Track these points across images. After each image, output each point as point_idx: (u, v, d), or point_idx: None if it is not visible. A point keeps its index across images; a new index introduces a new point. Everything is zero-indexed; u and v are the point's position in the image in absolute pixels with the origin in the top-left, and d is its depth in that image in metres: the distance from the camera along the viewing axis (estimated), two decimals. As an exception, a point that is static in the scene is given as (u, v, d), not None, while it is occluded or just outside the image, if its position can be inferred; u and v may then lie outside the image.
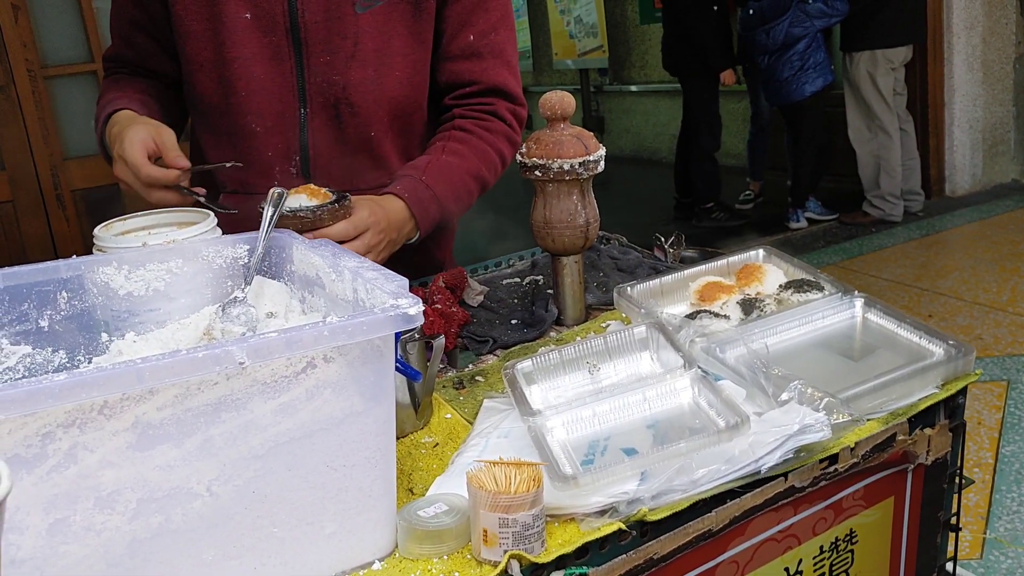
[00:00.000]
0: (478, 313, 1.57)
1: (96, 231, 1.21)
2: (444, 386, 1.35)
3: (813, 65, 5.70)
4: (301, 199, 1.31)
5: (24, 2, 3.79)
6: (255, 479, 0.86)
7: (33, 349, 1.08)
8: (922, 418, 1.15)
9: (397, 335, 0.93)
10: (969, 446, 3.35)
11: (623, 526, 0.95)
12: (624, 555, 0.95)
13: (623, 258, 1.73)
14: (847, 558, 1.14)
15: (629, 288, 1.39)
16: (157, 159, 1.38)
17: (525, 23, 11.06)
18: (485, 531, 0.91)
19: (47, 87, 3.89)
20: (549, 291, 1.57)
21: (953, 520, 1.27)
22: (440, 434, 1.22)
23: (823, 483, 1.05)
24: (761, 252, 1.48)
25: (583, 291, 1.52)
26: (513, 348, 1.45)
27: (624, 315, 1.45)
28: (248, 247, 1.18)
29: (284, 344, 0.82)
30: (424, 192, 1.50)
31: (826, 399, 1.04)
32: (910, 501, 1.17)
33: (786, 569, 1.08)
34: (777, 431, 1.01)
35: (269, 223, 1.17)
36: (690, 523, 0.98)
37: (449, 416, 1.26)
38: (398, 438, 1.21)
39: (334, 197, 1.34)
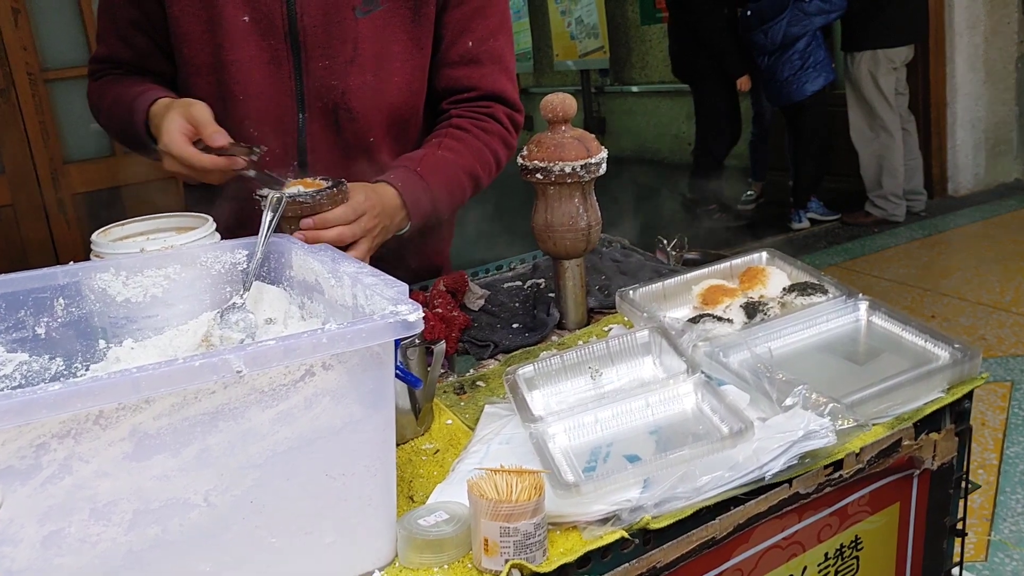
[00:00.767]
0: (479, 317, 1.56)
1: (94, 237, 1.20)
2: (445, 391, 1.34)
3: (813, 64, 5.69)
4: (298, 189, 1.30)
5: (24, 5, 3.78)
6: (253, 488, 0.84)
7: (30, 357, 1.07)
8: (928, 423, 1.13)
9: (397, 341, 0.92)
10: (973, 447, 3.33)
11: (626, 534, 0.94)
12: (627, 563, 0.94)
13: (625, 261, 1.72)
14: (852, 565, 1.13)
15: (631, 291, 1.38)
16: (196, 140, 1.36)
17: (526, 24, 11.05)
18: (486, 540, 0.90)
19: (47, 90, 3.88)
20: (551, 294, 1.56)
21: (959, 525, 1.25)
22: (441, 440, 1.21)
23: (828, 489, 1.04)
24: (764, 255, 1.47)
25: (585, 294, 1.51)
26: (514, 352, 1.44)
27: (626, 319, 1.44)
28: (247, 252, 1.17)
29: (282, 352, 0.81)
30: (417, 183, 1.49)
31: (831, 404, 1.03)
32: (916, 507, 1.16)
33: (791, 576, 1.07)
34: (781, 437, 0.99)
35: (268, 228, 1.16)
36: (693, 531, 0.97)
37: (450, 422, 1.25)
38: (398, 444, 1.20)
39: (330, 183, 1.34)
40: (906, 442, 1.09)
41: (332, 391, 0.86)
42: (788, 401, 1.07)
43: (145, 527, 0.80)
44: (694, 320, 1.29)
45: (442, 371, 1.41)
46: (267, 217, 1.17)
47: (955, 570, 1.29)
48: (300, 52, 1.52)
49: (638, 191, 8.47)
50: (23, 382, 1.05)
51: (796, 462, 1.01)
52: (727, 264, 1.45)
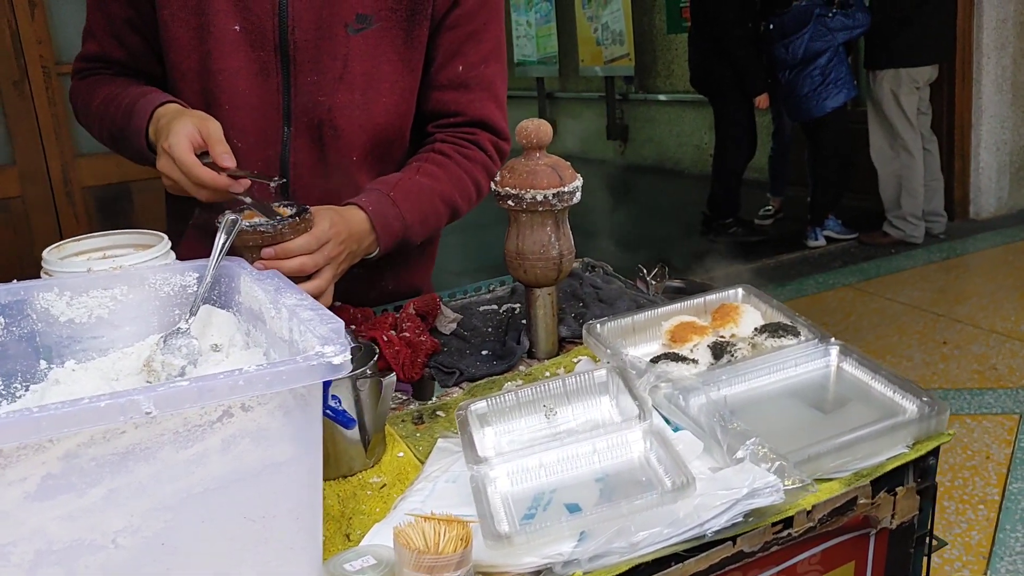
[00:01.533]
0: (449, 342, 1.53)
1: (45, 253, 1.19)
2: (403, 420, 1.31)
3: (834, 80, 5.62)
4: (262, 219, 1.28)
5: (42, -1, 3.80)
6: (165, 531, 0.82)
7: (-31, 375, 1.06)
8: (888, 479, 1.10)
9: (327, 382, 0.89)
10: (975, 481, 3.27)
11: (554, 590, 0.91)
12: (554, 621, 0.90)
13: (605, 288, 1.69)
14: (802, 624, 1.09)
15: (599, 326, 1.34)
16: (203, 153, 1.33)
17: (553, 28, 11.03)
18: (408, 591, 0.88)
19: (61, 84, 3.90)
20: (523, 321, 1.53)
21: (923, 583, 1.21)
22: (389, 474, 1.18)
23: (775, 548, 1.01)
24: (740, 291, 1.44)
25: (556, 324, 1.48)
26: (480, 381, 1.41)
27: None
28: (197, 275, 1.15)
29: (195, 394, 0.79)
30: (389, 209, 1.47)
31: (778, 462, 0.99)
32: (872, 566, 1.12)
33: (734, 635, 1.04)
34: (725, 494, 0.96)
35: (220, 251, 1.14)
36: (627, 589, 0.93)
37: (401, 455, 1.22)
38: (346, 476, 1.18)
39: (294, 211, 1.31)
40: (862, 500, 1.06)
41: (252, 433, 0.84)
42: (739, 453, 1.03)
43: (47, 568, 0.78)
44: (657, 359, 1.26)
45: (404, 398, 1.38)
46: (220, 240, 1.14)
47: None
48: (289, 65, 1.50)
49: (656, 202, 8.42)
50: (-41, 402, 1.04)
51: (740, 519, 0.97)
52: (701, 300, 1.41)
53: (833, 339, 1.29)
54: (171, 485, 0.81)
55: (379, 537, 1.01)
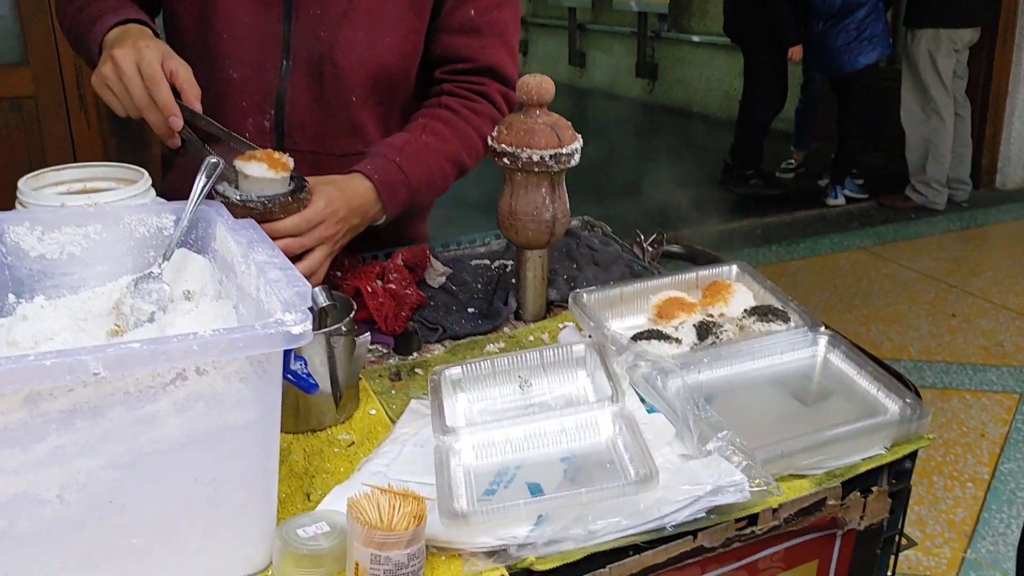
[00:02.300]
0: (437, 296, 1.51)
1: (20, 183, 1.16)
2: (380, 375, 1.29)
3: (869, 36, 5.45)
4: (262, 168, 1.23)
5: None
6: (112, 489, 0.81)
7: (-65, 306, 1.04)
8: (861, 480, 1.07)
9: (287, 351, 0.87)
10: (967, 458, 3.26)
11: (505, 574, 0.90)
12: (502, 605, 0.90)
13: (601, 250, 1.66)
14: (759, 618, 1.08)
15: (585, 295, 1.31)
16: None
17: (589, -43, 10.75)
18: (357, 564, 0.87)
19: (77, -16, 3.82)
20: (513, 280, 1.50)
21: (889, 581, 1.20)
22: (359, 432, 1.17)
23: (737, 544, 0.99)
24: (735, 268, 1.40)
25: (545, 287, 1.45)
26: (462, 340, 1.39)
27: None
28: (175, 217, 1.12)
29: (147, 356, 0.77)
30: (396, 175, 1.43)
31: (746, 462, 0.97)
32: (836, 565, 1.11)
33: (688, 626, 1.03)
34: (688, 489, 0.94)
35: (199, 195, 1.11)
36: (580, 576, 0.92)
37: (373, 412, 1.21)
38: (316, 430, 1.16)
39: (291, 186, 1.27)
40: (831, 502, 1.04)
41: (206, 397, 0.82)
42: (709, 445, 1.01)
43: (-10, 520, 0.77)
44: (640, 336, 1.23)
45: (384, 351, 1.36)
46: (199, 183, 1.11)
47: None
48: None
49: (679, 144, 8.29)
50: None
51: (702, 515, 0.95)
52: (692, 275, 1.38)
53: (823, 328, 1.25)
54: (120, 445, 0.80)
55: (338, 501, 0.99)
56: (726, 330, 1.25)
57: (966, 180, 5.89)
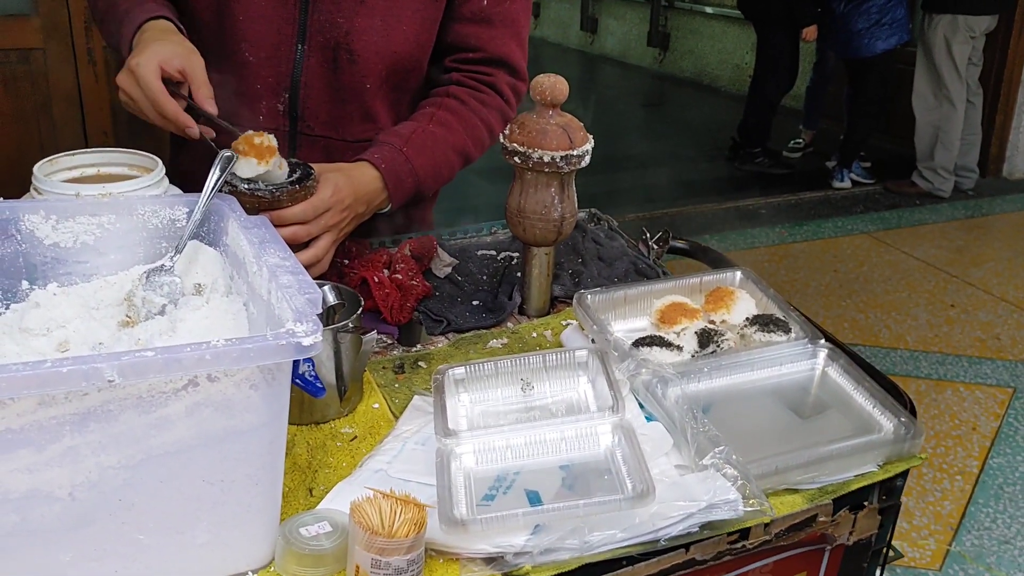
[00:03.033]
0: (442, 286, 1.52)
1: (36, 168, 1.17)
2: (384, 367, 1.31)
3: (890, 21, 5.41)
4: (251, 164, 1.23)
5: None
6: (122, 488, 0.83)
7: (-50, 291, 1.05)
8: (852, 496, 1.10)
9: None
10: (957, 451, 3.30)
11: (502, 581, 0.92)
12: (497, 611, 0.92)
13: (607, 245, 1.67)
14: (746, 626, 1.11)
15: (589, 296, 1.33)
16: (175, 84, 1.29)
17: (604, -79, 10.61)
18: (358, 567, 0.89)
19: (88, -67, 3.78)
20: (518, 274, 1.52)
21: (874, 591, 1.23)
22: (362, 426, 1.19)
23: (728, 558, 1.02)
24: (738, 275, 1.41)
25: (550, 283, 1.47)
26: (466, 334, 1.41)
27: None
28: (187, 210, 1.13)
29: (161, 365, 0.78)
30: (402, 165, 1.44)
31: (741, 480, 0.99)
32: (824, 577, 1.14)
33: (675, 633, 1.06)
34: (682, 506, 0.96)
35: (212, 188, 1.12)
36: (574, 586, 0.95)
37: (377, 406, 1.23)
38: (319, 423, 1.18)
39: (297, 174, 1.28)
40: (822, 518, 1.06)
41: (216, 403, 0.84)
42: (706, 460, 1.03)
43: (2, 515, 0.79)
44: (642, 342, 1.25)
45: (388, 342, 1.38)
46: (213, 176, 1.12)
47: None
48: None
49: (687, 117, 8.25)
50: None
51: (696, 529, 0.98)
52: (696, 279, 1.39)
53: (823, 340, 1.27)
54: (131, 446, 0.82)
55: (340, 498, 1.02)
56: (727, 339, 1.27)
57: (973, 168, 5.88)
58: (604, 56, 10.88)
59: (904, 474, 1.14)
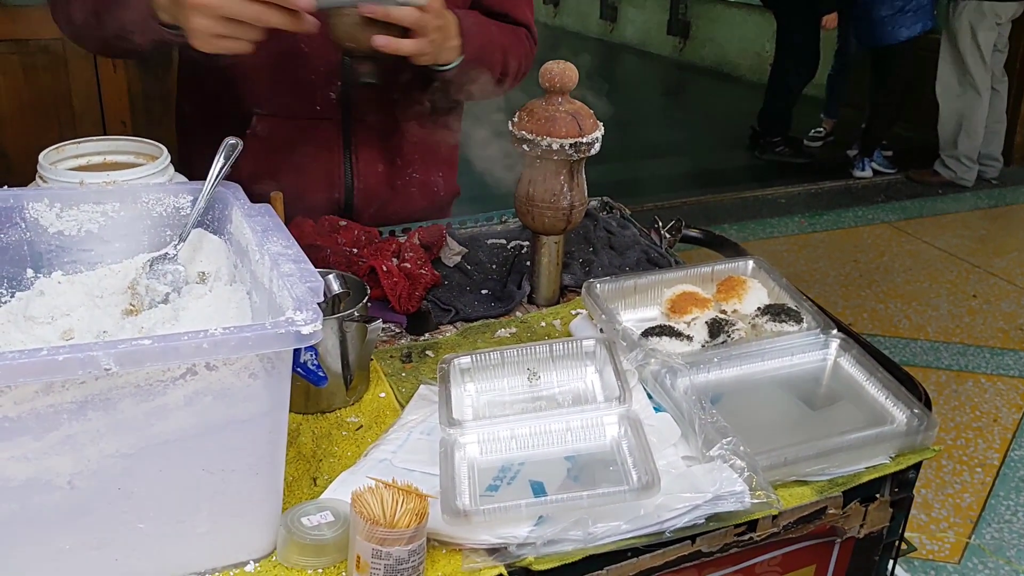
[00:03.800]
0: (451, 275, 1.51)
1: (41, 157, 1.17)
2: (391, 356, 1.31)
3: (915, 8, 5.33)
4: None
5: None
6: (122, 476, 0.83)
7: (-45, 278, 1.06)
8: (863, 489, 1.08)
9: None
10: (978, 443, 3.26)
11: (504, 572, 0.91)
12: (499, 603, 0.91)
13: (619, 234, 1.65)
14: (754, 619, 1.10)
15: (598, 285, 1.31)
16: None
17: (624, -92, 10.53)
18: (359, 557, 0.88)
19: (107, -74, 3.78)
20: (528, 263, 1.50)
21: (887, 583, 1.21)
22: (367, 415, 1.18)
23: (735, 550, 1.00)
24: (751, 263, 1.39)
25: (560, 272, 1.45)
26: (474, 323, 1.40)
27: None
28: (192, 198, 1.12)
29: (159, 353, 0.78)
30: (472, 23, 1.46)
31: (748, 472, 0.98)
32: (834, 571, 1.12)
33: (681, 626, 1.05)
34: (688, 497, 0.95)
35: (217, 176, 1.11)
36: (578, 578, 0.94)
37: (383, 395, 1.22)
38: (324, 412, 1.18)
39: None
40: (831, 511, 1.04)
41: (216, 391, 0.83)
42: (713, 451, 1.02)
43: (2, 503, 0.79)
44: (651, 331, 1.23)
45: (396, 330, 1.37)
46: (217, 163, 1.11)
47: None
48: None
49: (707, 106, 8.19)
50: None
51: (701, 521, 0.96)
52: (708, 268, 1.37)
53: (835, 330, 1.25)
54: (130, 435, 0.81)
55: (343, 488, 1.01)
56: (738, 328, 1.25)
57: (997, 157, 5.80)
58: (624, 45, 10.81)
59: (917, 466, 1.12)
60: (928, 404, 1.16)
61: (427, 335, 1.37)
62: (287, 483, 1.02)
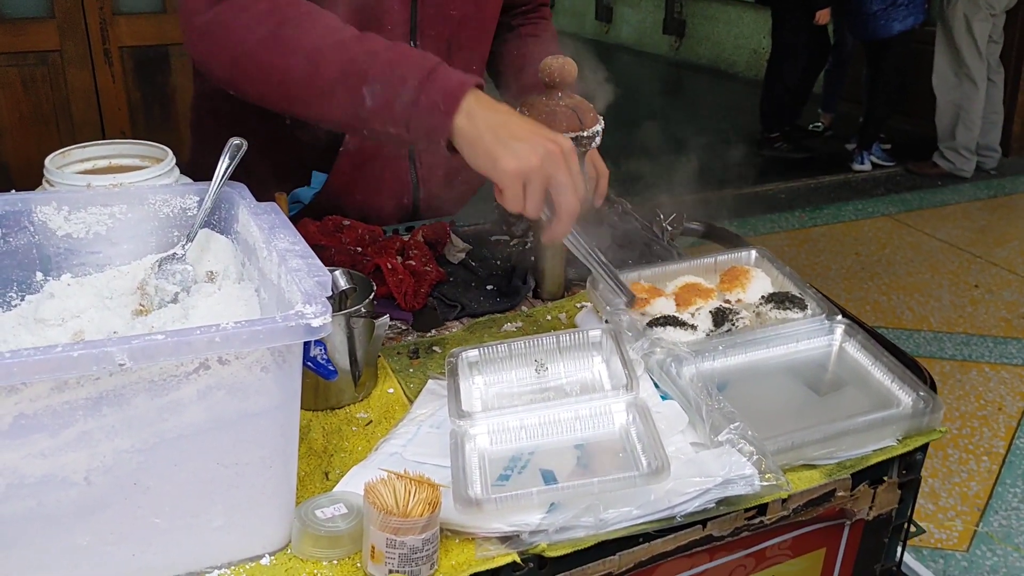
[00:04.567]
0: (456, 272, 1.52)
1: (47, 161, 1.17)
2: (399, 352, 1.31)
3: (906, 2, 5.34)
4: None
5: None
6: (137, 471, 0.84)
7: (-35, 283, 1.06)
8: (871, 471, 1.09)
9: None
10: (983, 431, 3.27)
11: (518, 559, 0.92)
12: (513, 591, 0.92)
13: (621, 227, 1.66)
14: (765, 603, 1.11)
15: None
16: None
17: (618, -91, 10.54)
18: (373, 547, 0.89)
19: (104, -66, 3.81)
20: (532, 258, 1.51)
21: (895, 568, 1.22)
22: (377, 410, 1.19)
23: (745, 533, 1.01)
24: (754, 254, 1.40)
25: (564, 266, 1.46)
26: (480, 319, 1.41)
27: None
28: (198, 198, 1.13)
29: (171, 348, 0.79)
30: None
31: (757, 456, 0.98)
32: (844, 553, 1.13)
33: (693, 610, 1.05)
34: (698, 481, 0.96)
35: (223, 176, 1.12)
36: (590, 564, 0.94)
37: (392, 391, 1.23)
38: (334, 408, 1.19)
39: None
40: (840, 493, 1.05)
41: (228, 385, 0.84)
42: (721, 436, 1.03)
43: (19, 500, 0.80)
44: (656, 322, 1.24)
45: (403, 327, 1.38)
46: (223, 164, 1.12)
47: None
48: None
49: (705, 104, 8.20)
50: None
51: (712, 505, 0.97)
52: (711, 259, 1.38)
53: (840, 316, 1.26)
54: (144, 430, 0.82)
55: (355, 481, 1.02)
56: (742, 317, 1.26)
57: (995, 148, 5.80)
58: (620, 45, 10.82)
59: (924, 448, 1.13)
60: (933, 387, 1.17)
61: (433, 331, 1.38)
62: (300, 479, 1.03)
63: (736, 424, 1.02)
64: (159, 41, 4.02)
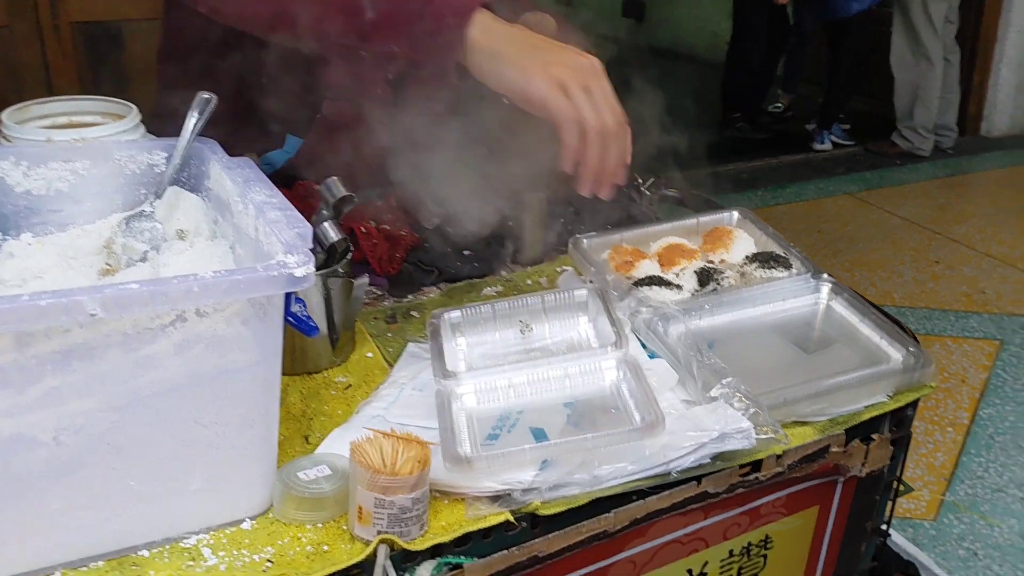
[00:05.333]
0: (432, 237, 1.48)
1: (4, 116, 1.11)
2: (376, 317, 1.27)
3: (865, -19, 5.37)
4: None
5: None
6: (111, 431, 0.79)
7: (-82, 242, 1.00)
8: (863, 428, 1.07)
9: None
10: (947, 403, 3.30)
11: (511, 518, 0.89)
12: (507, 550, 0.89)
13: (598, 193, 1.63)
14: (759, 563, 1.09)
15: (584, 240, 1.29)
16: None
17: None
18: (360, 508, 0.86)
19: (52, -93, 3.69)
20: (511, 223, 1.48)
21: (884, 526, 1.21)
22: (356, 374, 1.15)
23: (740, 490, 0.99)
24: (735, 214, 1.38)
25: (543, 231, 1.43)
26: (458, 283, 1.37)
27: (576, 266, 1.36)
28: (166, 155, 1.08)
29: (147, 297, 0.74)
30: None
31: (752, 409, 0.96)
32: (837, 510, 1.11)
33: (688, 571, 1.03)
34: (694, 435, 0.93)
35: (192, 132, 1.07)
36: (585, 522, 0.92)
37: (370, 355, 1.19)
38: (312, 373, 1.14)
39: None
40: (834, 449, 1.03)
41: (207, 339, 0.80)
42: (714, 392, 1.00)
43: (-15, 462, 0.75)
44: (641, 282, 1.21)
45: (378, 293, 1.34)
46: (191, 120, 1.07)
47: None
48: None
49: (665, 88, 8.20)
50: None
51: (707, 461, 0.95)
52: (693, 221, 1.36)
53: (826, 275, 1.24)
54: (118, 386, 0.78)
55: (337, 443, 0.98)
56: (727, 276, 1.24)
57: (952, 127, 5.87)
58: (579, 28, 10.80)
59: (915, 404, 1.12)
60: (918, 344, 1.15)
61: (410, 296, 1.34)
62: (279, 443, 0.98)
63: (728, 379, 1.00)
64: (111, 17, 3.90)
